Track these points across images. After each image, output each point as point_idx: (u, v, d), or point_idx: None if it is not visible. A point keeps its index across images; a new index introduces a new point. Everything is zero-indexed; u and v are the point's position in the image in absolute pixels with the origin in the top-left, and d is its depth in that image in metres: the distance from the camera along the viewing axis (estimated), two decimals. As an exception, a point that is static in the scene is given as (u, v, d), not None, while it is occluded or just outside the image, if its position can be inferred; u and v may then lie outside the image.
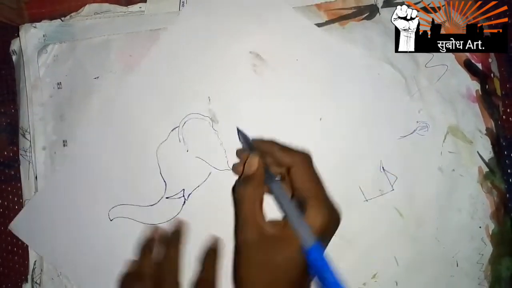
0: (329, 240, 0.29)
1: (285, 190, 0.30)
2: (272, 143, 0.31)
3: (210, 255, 0.35)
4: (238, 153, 0.35)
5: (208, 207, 0.36)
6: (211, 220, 0.36)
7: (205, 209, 0.36)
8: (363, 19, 0.37)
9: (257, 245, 0.28)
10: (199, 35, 0.37)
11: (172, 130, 0.37)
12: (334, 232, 0.29)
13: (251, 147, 0.33)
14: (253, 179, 0.29)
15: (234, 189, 0.32)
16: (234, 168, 0.34)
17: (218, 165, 0.37)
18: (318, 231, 0.27)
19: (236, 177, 0.35)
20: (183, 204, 0.37)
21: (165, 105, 0.37)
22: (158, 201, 0.37)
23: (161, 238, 0.36)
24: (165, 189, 0.37)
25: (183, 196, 0.37)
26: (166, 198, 0.37)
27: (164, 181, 0.37)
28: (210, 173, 0.37)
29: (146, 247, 0.36)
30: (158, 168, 0.37)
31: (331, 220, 0.28)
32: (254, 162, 0.30)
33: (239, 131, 0.35)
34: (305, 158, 0.30)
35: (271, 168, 0.31)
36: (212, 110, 0.37)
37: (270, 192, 0.30)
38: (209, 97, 0.37)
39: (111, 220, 0.37)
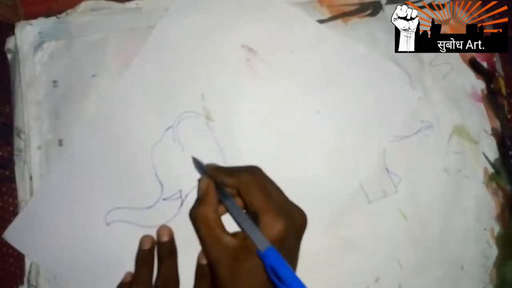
0: (295, 245, 0.31)
1: (239, 206, 0.31)
2: (219, 169, 0.33)
3: (204, 269, 0.34)
4: (199, 182, 0.35)
5: None
6: None
7: None
8: (366, 16, 0.37)
9: (224, 259, 0.29)
10: (189, 30, 0.37)
11: (166, 130, 0.36)
12: (299, 235, 0.31)
13: (205, 173, 0.34)
14: (204, 199, 0.31)
15: (190, 213, 0.33)
16: None
17: (215, 163, 0.36)
18: (274, 240, 0.28)
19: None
20: (180, 205, 0.36)
21: (158, 105, 0.37)
22: (155, 203, 0.36)
23: (157, 249, 0.35)
24: (162, 191, 0.36)
25: (181, 197, 0.36)
26: (163, 199, 0.36)
27: (160, 182, 0.36)
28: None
29: (145, 258, 0.35)
30: (154, 170, 0.36)
31: (288, 226, 0.29)
32: (203, 184, 0.32)
33: (194, 160, 0.35)
34: (249, 177, 0.31)
35: (226, 190, 0.32)
36: (207, 108, 0.36)
37: (227, 210, 0.32)
38: (202, 94, 0.36)
39: (108, 225, 0.36)
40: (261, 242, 0.28)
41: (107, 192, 0.36)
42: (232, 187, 0.32)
